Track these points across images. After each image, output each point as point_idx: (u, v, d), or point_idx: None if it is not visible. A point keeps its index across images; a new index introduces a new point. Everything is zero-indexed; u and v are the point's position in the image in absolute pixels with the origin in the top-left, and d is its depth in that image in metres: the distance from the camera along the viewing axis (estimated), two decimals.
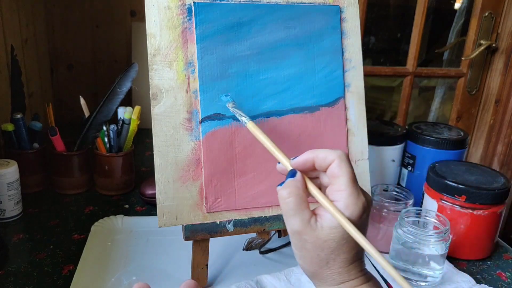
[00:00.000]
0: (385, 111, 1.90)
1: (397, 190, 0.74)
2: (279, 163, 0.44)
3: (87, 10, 1.24)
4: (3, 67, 0.90)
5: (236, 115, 0.52)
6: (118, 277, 0.60)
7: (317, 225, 0.39)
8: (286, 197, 0.40)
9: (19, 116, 0.81)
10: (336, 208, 0.39)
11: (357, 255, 0.40)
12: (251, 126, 0.49)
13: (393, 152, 0.86)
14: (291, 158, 0.43)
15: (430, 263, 0.62)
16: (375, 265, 0.68)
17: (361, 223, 0.39)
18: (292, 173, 0.42)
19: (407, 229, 0.63)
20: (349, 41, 0.63)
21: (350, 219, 0.38)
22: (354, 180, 0.40)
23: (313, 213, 0.40)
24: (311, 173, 0.43)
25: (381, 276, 0.65)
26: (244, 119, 0.50)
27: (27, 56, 1.05)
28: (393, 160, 0.87)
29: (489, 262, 0.72)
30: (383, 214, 0.70)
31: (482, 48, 1.27)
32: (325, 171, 0.41)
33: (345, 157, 0.40)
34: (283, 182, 0.42)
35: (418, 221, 0.68)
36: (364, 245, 0.38)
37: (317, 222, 0.40)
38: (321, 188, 0.43)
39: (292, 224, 0.40)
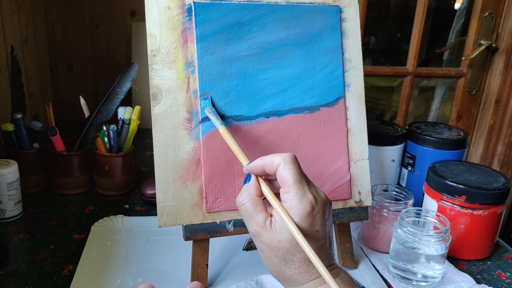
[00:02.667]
0: (385, 111, 1.90)
1: (397, 190, 0.75)
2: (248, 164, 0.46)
3: (87, 10, 1.24)
4: (3, 67, 0.90)
5: (211, 120, 0.54)
6: (124, 279, 0.60)
7: (271, 227, 0.41)
8: (242, 202, 0.43)
9: (19, 116, 0.81)
10: (282, 208, 0.40)
11: (318, 253, 0.40)
12: (222, 130, 0.51)
13: (393, 152, 0.86)
14: (247, 163, 0.45)
15: (430, 263, 0.62)
16: (375, 265, 0.68)
17: (312, 220, 0.41)
18: (248, 178, 0.44)
19: (407, 229, 0.63)
20: (349, 41, 0.63)
21: (298, 218, 0.40)
22: (298, 180, 0.41)
23: (270, 215, 0.42)
24: (272, 177, 0.44)
25: (381, 276, 0.65)
26: (217, 124, 0.53)
27: (27, 56, 1.05)
28: (393, 160, 0.87)
29: (489, 262, 0.72)
30: (383, 214, 0.70)
31: (482, 48, 1.27)
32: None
33: (290, 159, 0.42)
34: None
35: (418, 221, 0.68)
36: (302, 244, 0.38)
37: (271, 224, 0.41)
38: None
39: (250, 227, 0.42)
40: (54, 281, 0.60)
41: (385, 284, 0.63)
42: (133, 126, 0.85)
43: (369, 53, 1.84)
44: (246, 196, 0.43)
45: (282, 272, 0.42)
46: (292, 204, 0.40)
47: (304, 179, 0.42)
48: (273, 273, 0.43)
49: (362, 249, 0.72)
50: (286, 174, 0.41)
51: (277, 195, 0.43)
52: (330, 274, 0.37)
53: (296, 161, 0.42)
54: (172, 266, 0.64)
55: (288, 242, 0.40)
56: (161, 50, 0.55)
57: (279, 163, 0.41)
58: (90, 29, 1.26)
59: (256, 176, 0.44)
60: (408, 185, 0.88)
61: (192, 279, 0.58)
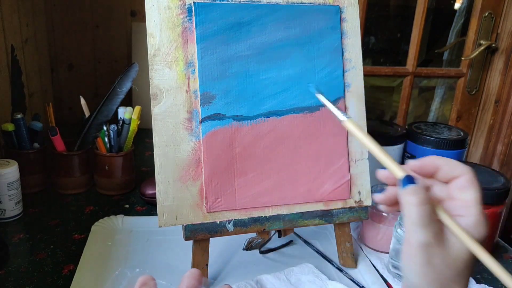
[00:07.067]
0: (385, 111, 1.90)
1: None
2: (382, 168, 0.40)
3: (87, 10, 1.24)
4: (4, 67, 0.91)
5: (329, 107, 0.48)
6: (121, 271, 0.60)
7: (447, 239, 0.36)
8: (418, 204, 0.35)
9: (19, 116, 0.81)
10: (461, 226, 0.35)
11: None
12: (349, 124, 0.44)
13: (393, 152, 0.86)
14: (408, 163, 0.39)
15: None
16: (375, 265, 0.68)
17: (483, 244, 0.36)
18: (410, 179, 0.37)
19: None
20: (349, 41, 0.63)
21: (480, 238, 0.35)
22: (481, 201, 0.36)
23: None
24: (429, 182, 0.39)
25: (381, 275, 0.65)
26: (340, 115, 0.46)
27: (27, 56, 1.05)
28: None
29: None
30: (383, 214, 0.70)
31: (482, 48, 1.27)
32: (445, 182, 0.38)
33: (475, 174, 0.37)
34: (381, 190, 0.38)
35: None
36: (496, 270, 0.34)
37: (447, 237, 0.36)
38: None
39: (422, 235, 0.35)
40: (54, 281, 0.60)
41: (385, 284, 0.63)
42: (133, 126, 0.85)
43: (369, 53, 1.84)
44: (423, 199, 0.35)
45: None
46: (476, 222, 0.35)
47: None
48: None
49: (362, 249, 0.72)
50: (474, 189, 0.36)
51: None
52: None
53: None
54: (172, 266, 0.64)
55: (464, 262, 0.35)
56: (162, 50, 0.55)
57: (462, 173, 0.37)
58: (90, 29, 1.26)
59: None
60: None
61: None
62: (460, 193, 0.37)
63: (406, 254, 0.36)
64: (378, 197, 0.39)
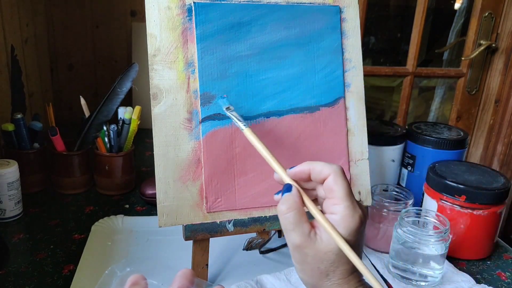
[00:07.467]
0: (385, 111, 1.90)
1: (397, 190, 0.75)
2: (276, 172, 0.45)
3: (87, 10, 1.24)
4: (3, 67, 0.91)
5: (233, 120, 0.52)
6: (111, 269, 0.60)
7: (316, 238, 0.40)
8: (285, 212, 0.41)
9: (19, 116, 0.81)
10: (329, 222, 0.40)
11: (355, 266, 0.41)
12: (248, 132, 0.49)
13: (393, 152, 0.86)
14: (288, 168, 0.44)
15: (430, 263, 0.62)
16: (375, 265, 0.68)
17: (359, 235, 0.40)
18: (288, 187, 0.42)
19: (407, 229, 0.63)
20: (349, 41, 0.63)
21: (347, 232, 0.39)
22: (350, 193, 0.41)
23: (312, 225, 0.41)
24: (308, 184, 0.43)
25: (381, 275, 0.65)
26: (241, 125, 0.50)
27: (27, 56, 1.05)
28: (393, 160, 0.87)
29: (489, 262, 0.72)
30: (383, 214, 0.70)
31: (482, 48, 1.27)
32: (321, 183, 0.42)
33: (341, 171, 0.41)
34: (280, 192, 0.43)
35: (418, 221, 0.68)
36: (354, 260, 0.39)
37: (316, 235, 0.40)
38: (318, 199, 0.44)
39: (293, 238, 0.41)
40: (55, 281, 0.60)
41: (385, 284, 0.63)
42: (133, 126, 0.85)
43: (369, 53, 1.84)
44: (291, 206, 0.41)
45: (321, 283, 0.41)
46: (343, 217, 0.40)
47: (352, 193, 0.41)
48: (308, 284, 0.43)
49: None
50: (338, 187, 0.40)
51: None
52: None
53: (344, 173, 0.42)
54: (172, 266, 0.64)
55: (334, 253, 0.40)
56: (161, 50, 0.55)
57: (328, 174, 0.41)
58: (90, 29, 1.26)
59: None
60: (408, 185, 0.89)
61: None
62: (329, 193, 0.41)
63: (291, 255, 0.42)
64: (276, 197, 0.43)
